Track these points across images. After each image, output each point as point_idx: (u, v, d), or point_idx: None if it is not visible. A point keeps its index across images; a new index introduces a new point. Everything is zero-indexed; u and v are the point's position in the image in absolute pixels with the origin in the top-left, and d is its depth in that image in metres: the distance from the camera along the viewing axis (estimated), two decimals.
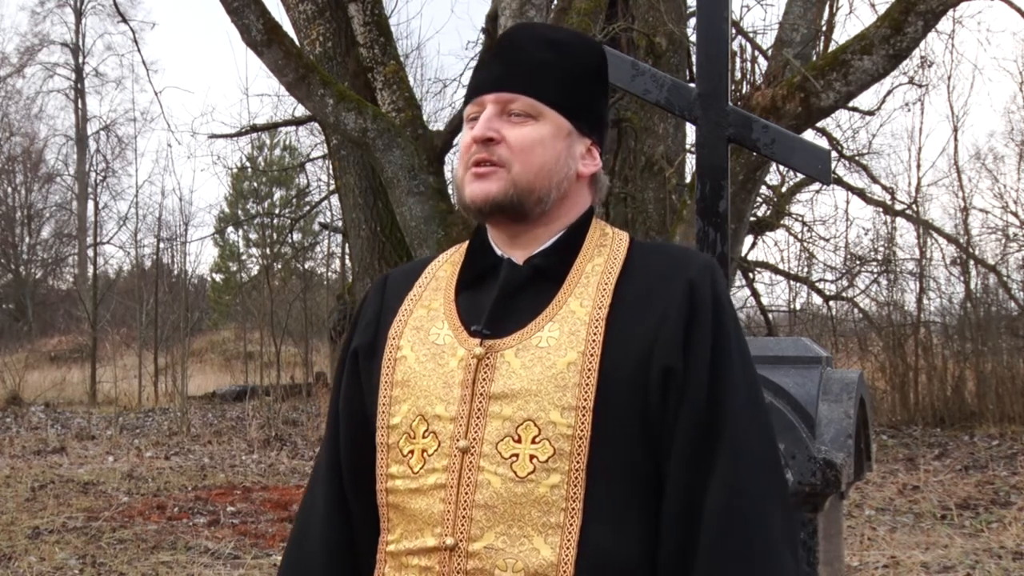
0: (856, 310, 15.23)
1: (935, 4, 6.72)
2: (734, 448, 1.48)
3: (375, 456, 1.60)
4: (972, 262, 13.94)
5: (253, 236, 26.11)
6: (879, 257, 15.05)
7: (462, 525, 1.48)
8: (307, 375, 17.22)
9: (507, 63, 1.61)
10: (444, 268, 1.68)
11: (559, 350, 1.50)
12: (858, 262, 15.18)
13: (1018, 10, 10.46)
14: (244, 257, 26.89)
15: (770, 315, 14.58)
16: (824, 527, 2.59)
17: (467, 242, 1.71)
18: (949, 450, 10.61)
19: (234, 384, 18.11)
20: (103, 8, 32.51)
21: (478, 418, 1.50)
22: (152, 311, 19.08)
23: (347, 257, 16.52)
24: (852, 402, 2.59)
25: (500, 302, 1.56)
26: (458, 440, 1.50)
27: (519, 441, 1.48)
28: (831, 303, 15.20)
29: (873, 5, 10.29)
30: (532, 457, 1.47)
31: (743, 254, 12.43)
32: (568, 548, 1.46)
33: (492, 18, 8.65)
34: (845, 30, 23.77)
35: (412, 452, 1.54)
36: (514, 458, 1.48)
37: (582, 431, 1.47)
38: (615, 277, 1.56)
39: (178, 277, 21.53)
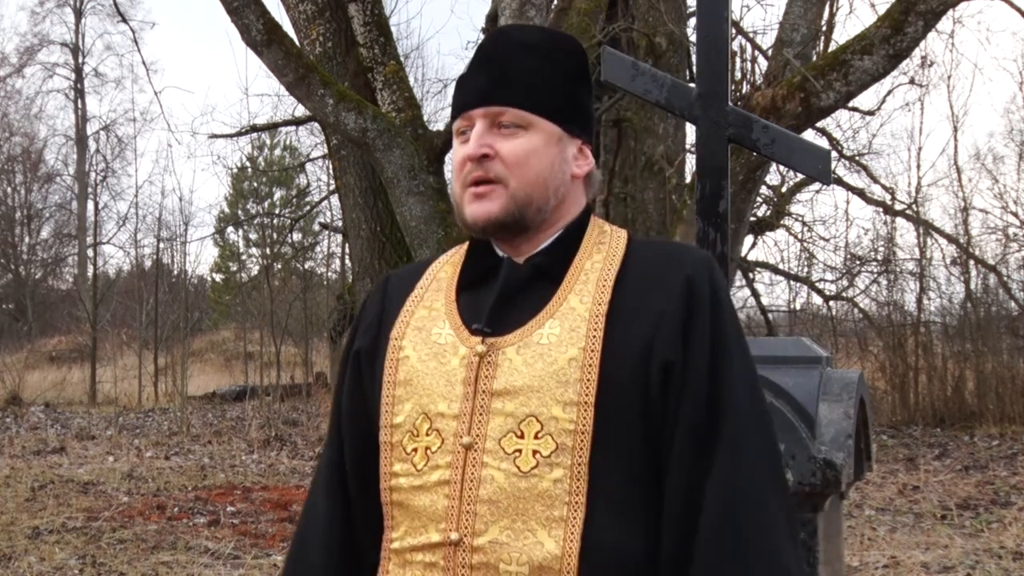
0: (856, 310, 15.25)
1: (935, 4, 6.72)
2: (733, 445, 1.49)
3: (379, 456, 1.62)
4: (972, 262, 13.95)
5: (253, 236, 26.16)
6: (879, 257, 15.08)
7: (466, 520, 1.50)
8: (307, 375, 17.22)
9: (491, 74, 1.61)
10: (445, 269, 1.71)
11: (560, 346, 1.52)
12: (858, 262, 15.20)
13: (1018, 10, 10.47)
14: (244, 257, 26.95)
15: (770, 315, 14.59)
16: (824, 527, 2.60)
17: (467, 243, 1.72)
18: (949, 450, 10.61)
19: (234, 384, 18.11)
20: (103, 8, 32.58)
21: (481, 415, 1.53)
22: (152, 311, 19.10)
23: (347, 257, 16.53)
24: (852, 402, 2.59)
25: (501, 300, 1.59)
26: (461, 437, 1.52)
27: (522, 437, 1.50)
28: (831, 303, 15.22)
29: (873, 5, 10.32)
30: (535, 452, 1.49)
31: (743, 254, 12.43)
32: (572, 541, 1.48)
33: (492, 18, 8.66)
34: (845, 30, 23.82)
35: (416, 450, 1.56)
36: (517, 453, 1.50)
37: (584, 426, 1.49)
38: (614, 273, 1.58)
39: (178, 277, 21.57)
